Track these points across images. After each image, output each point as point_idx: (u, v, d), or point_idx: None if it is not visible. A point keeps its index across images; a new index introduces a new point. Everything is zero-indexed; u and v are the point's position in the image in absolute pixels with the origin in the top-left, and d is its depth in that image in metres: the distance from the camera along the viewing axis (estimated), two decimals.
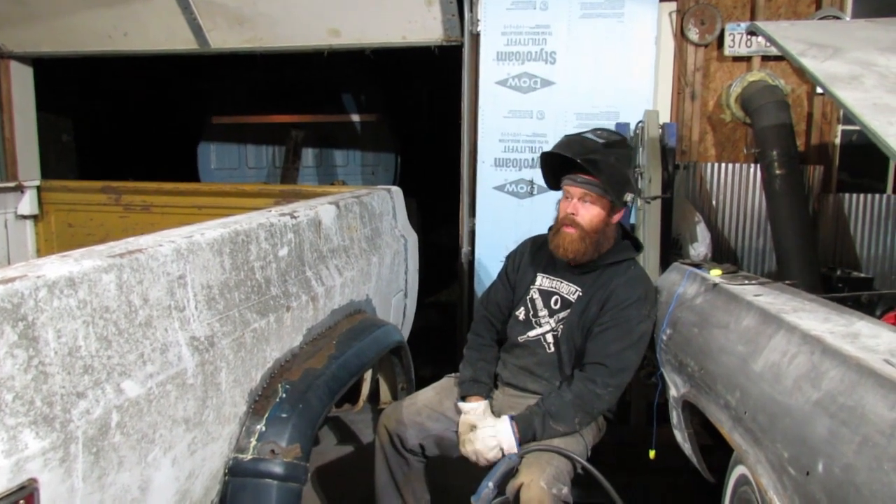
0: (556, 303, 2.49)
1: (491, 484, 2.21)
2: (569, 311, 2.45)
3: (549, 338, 2.48)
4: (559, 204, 2.47)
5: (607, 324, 2.35)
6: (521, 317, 2.54)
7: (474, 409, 2.40)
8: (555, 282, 2.51)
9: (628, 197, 2.36)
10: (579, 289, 2.46)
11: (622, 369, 2.33)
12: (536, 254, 2.60)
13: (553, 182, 2.51)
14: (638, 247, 2.56)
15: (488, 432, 2.29)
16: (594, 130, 2.44)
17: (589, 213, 2.37)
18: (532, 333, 2.50)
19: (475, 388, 2.47)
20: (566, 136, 2.45)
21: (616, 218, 2.44)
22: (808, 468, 1.41)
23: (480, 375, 2.51)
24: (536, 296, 2.53)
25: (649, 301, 2.43)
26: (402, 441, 2.46)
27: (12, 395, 1.17)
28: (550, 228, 2.52)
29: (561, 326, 2.45)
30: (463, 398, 2.46)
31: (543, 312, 2.50)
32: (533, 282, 2.55)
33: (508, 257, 2.71)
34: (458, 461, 2.42)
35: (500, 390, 2.56)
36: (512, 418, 2.30)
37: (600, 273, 2.45)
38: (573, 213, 2.38)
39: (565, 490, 2.11)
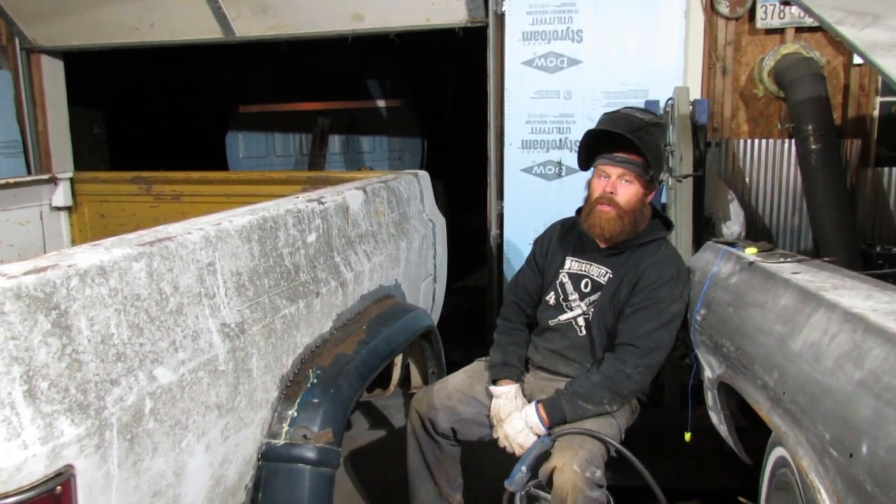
0: (586, 286, 2.46)
1: (524, 468, 2.20)
2: (599, 293, 2.42)
3: (581, 321, 2.45)
4: (589, 183, 2.43)
5: (638, 305, 2.32)
6: (552, 301, 2.52)
7: (505, 392, 2.39)
8: (584, 265, 2.48)
9: (662, 175, 2.34)
10: (609, 271, 2.43)
11: (653, 350, 2.29)
12: (565, 237, 2.57)
13: (586, 162, 2.47)
14: (669, 226, 2.52)
15: (516, 416, 2.29)
16: (628, 108, 2.41)
17: (627, 192, 2.34)
18: (563, 317, 2.48)
19: (506, 372, 2.46)
20: (606, 114, 2.42)
21: (650, 197, 2.41)
22: (852, 450, 1.37)
23: (511, 359, 2.49)
24: (566, 279, 2.50)
25: (681, 281, 2.39)
26: (434, 425, 2.46)
27: (47, 382, 1.18)
28: (579, 211, 2.49)
29: (592, 309, 2.43)
30: (494, 382, 2.45)
31: (574, 296, 2.47)
32: (562, 265, 2.53)
33: (536, 242, 2.69)
34: (491, 445, 2.41)
35: (531, 374, 2.54)
36: (539, 402, 2.29)
37: (631, 254, 2.41)
38: (612, 192, 2.34)
39: (598, 473, 2.09)
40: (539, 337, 2.56)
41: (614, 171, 2.34)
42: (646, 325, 2.29)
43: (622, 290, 2.37)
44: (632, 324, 2.31)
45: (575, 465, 2.06)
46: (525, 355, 2.56)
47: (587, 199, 2.43)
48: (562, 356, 2.47)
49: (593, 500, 2.06)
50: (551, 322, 2.50)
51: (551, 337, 2.51)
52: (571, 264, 2.51)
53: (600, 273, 2.44)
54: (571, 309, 2.47)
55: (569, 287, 2.49)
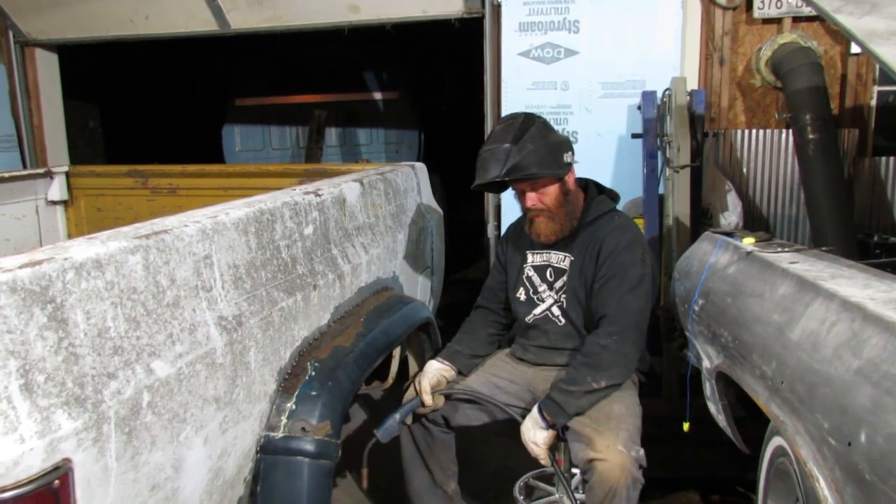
0: (550, 274, 2.50)
1: (398, 416, 2.30)
2: (565, 277, 2.46)
3: (556, 310, 2.48)
4: (516, 198, 2.48)
5: (604, 277, 2.34)
6: (523, 297, 2.55)
7: (433, 367, 2.46)
8: (544, 254, 2.53)
9: (567, 158, 2.35)
10: (568, 254, 2.47)
11: (624, 315, 2.27)
12: (520, 235, 2.61)
13: (497, 187, 2.50)
14: (615, 198, 2.56)
15: (528, 425, 2.25)
16: (501, 124, 2.39)
17: (546, 195, 2.37)
18: (537, 311, 2.51)
19: (443, 353, 2.55)
20: (479, 155, 2.39)
21: (571, 180, 2.43)
22: (850, 438, 1.37)
23: (453, 346, 2.57)
24: (532, 273, 2.54)
25: (640, 245, 2.41)
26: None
27: (44, 376, 1.18)
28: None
29: (564, 296, 2.45)
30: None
31: (542, 287, 2.51)
32: (525, 260, 2.57)
33: (498, 244, 2.78)
34: (485, 433, 2.41)
35: (532, 371, 2.54)
36: (539, 407, 2.25)
37: (584, 232, 2.45)
38: (534, 204, 2.38)
39: (642, 452, 2.10)
40: (523, 336, 2.59)
41: (524, 187, 2.38)
42: (613, 294, 2.31)
43: (587, 267, 2.40)
44: (601, 297, 2.33)
45: (620, 446, 2.05)
46: (478, 349, 2.60)
47: (522, 211, 2.49)
48: (552, 349, 2.50)
49: (638, 481, 2.06)
50: (528, 319, 2.53)
51: (534, 334, 2.54)
52: (533, 258, 2.55)
53: (559, 259, 2.48)
54: (543, 300, 2.50)
55: (536, 280, 2.53)
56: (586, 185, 2.55)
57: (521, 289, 2.56)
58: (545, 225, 2.41)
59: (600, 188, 2.56)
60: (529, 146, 2.28)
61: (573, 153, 2.39)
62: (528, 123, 2.34)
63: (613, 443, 2.07)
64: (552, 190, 2.37)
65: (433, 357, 2.56)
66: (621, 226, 2.44)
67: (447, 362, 2.49)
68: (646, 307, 2.36)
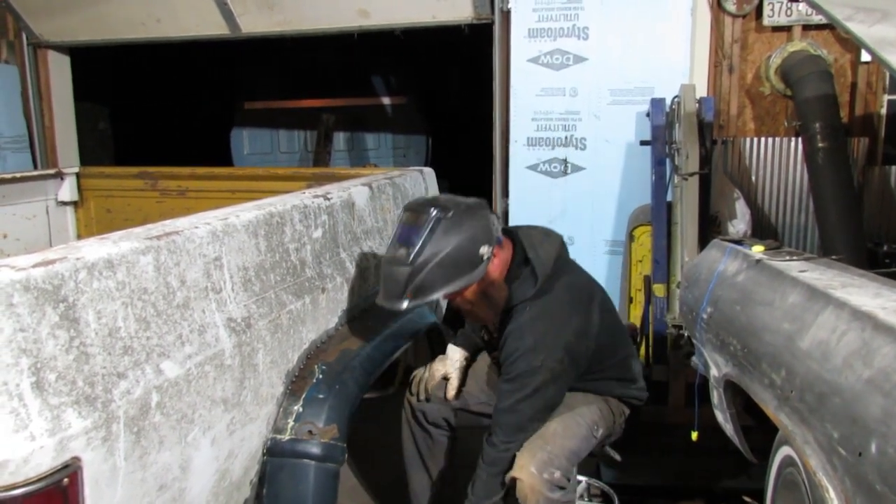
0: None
1: None
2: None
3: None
4: None
5: (504, 378, 2.16)
6: (486, 337, 2.50)
7: (454, 353, 2.52)
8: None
9: (483, 251, 2.02)
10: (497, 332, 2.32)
11: (517, 428, 2.13)
12: None
13: None
14: (545, 265, 2.19)
15: None
16: (408, 213, 2.08)
17: (465, 295, 2.12)
18: (495, 354, 2.39)
19: (461, 340, 2.58)
20: (381, 264, 2.12)
21: (494, 268, 2.11)
22: (861, 449, 1.36)
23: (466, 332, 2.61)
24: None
25: (540, 350, 2.09)
26: (425, 414, 2.49)
27: (55, 375, 1.18)
28: None
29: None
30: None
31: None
32: None
33: None
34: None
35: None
36: None
37: (504, 318, 2.23)
38: (455, 303, 2.19)
39: (558, 474, 2.06)
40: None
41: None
42: (507, 399, 2.12)
43: (501, 355, 2.24)
44: (499, 396, 2.16)
45: (532, 468, 2.05)
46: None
47: None
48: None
49: (554, 501, 2.05)
50: (493, 354, 2.46)
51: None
52: None
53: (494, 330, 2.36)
54: (496, 348, 2.36)
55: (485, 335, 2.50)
56: (514, 242, 2.23)
57: (483, 330, 2.50)
58: (474, 317, 2.29)
59: (528, 255, 2.19)
60: (431, 263, 1.97)
61: (494, 238, 2.07)
62: (436, 224, 1.99)
63: (527, 463, 2.06)
64: (470, 291, 2.11)
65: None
66: (524, 325, 2.13)
67: (462, 351, 2.54)
68: (543, 413, 2.16)
